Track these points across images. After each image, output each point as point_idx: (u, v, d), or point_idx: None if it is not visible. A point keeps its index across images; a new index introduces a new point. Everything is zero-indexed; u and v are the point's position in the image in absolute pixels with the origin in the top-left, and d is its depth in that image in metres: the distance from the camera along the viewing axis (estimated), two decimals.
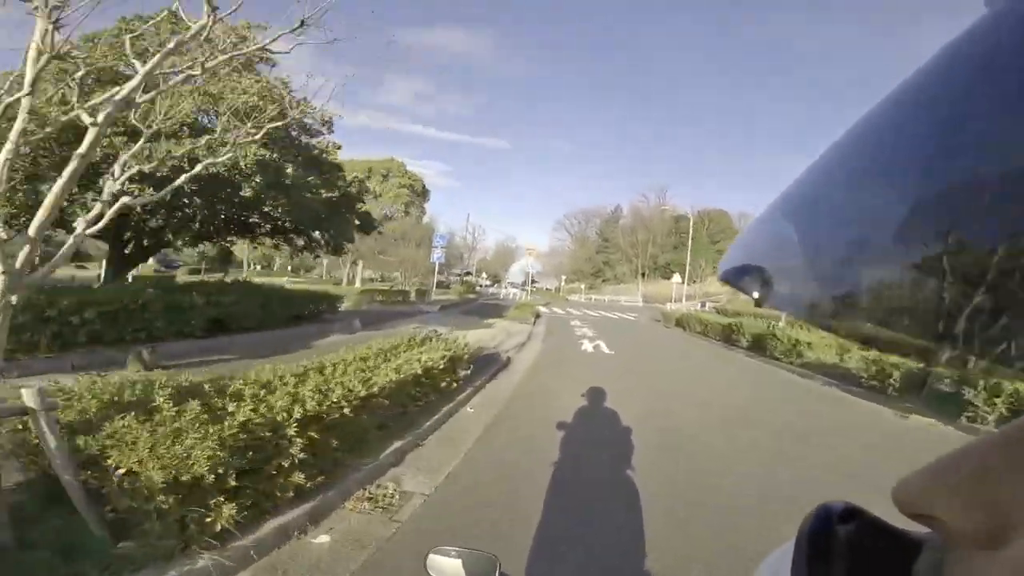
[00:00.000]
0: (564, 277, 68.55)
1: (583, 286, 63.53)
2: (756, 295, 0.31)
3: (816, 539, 0.32)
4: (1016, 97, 0.18)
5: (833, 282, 0.26)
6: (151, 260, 25.23)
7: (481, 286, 67.47)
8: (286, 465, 3.00)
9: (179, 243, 12.60)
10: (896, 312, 0.22)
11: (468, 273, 75.41)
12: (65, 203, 3.43)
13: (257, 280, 16.17)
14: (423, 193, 44.04)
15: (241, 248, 28.67)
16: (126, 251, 12.08)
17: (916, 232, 0.21)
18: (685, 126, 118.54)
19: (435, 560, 0.98)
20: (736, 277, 0.33)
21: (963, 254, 0.19)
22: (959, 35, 0.22)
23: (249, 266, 60.01)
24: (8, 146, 2.26)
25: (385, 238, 33.42)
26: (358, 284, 33.56)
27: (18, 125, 2.25)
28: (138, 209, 7.43)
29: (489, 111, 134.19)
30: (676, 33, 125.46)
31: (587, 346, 14.03)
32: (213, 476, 2.50)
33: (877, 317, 0.23)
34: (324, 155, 13.65)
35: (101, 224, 2.74)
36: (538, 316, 21.38)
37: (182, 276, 23.44)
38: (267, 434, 2.92)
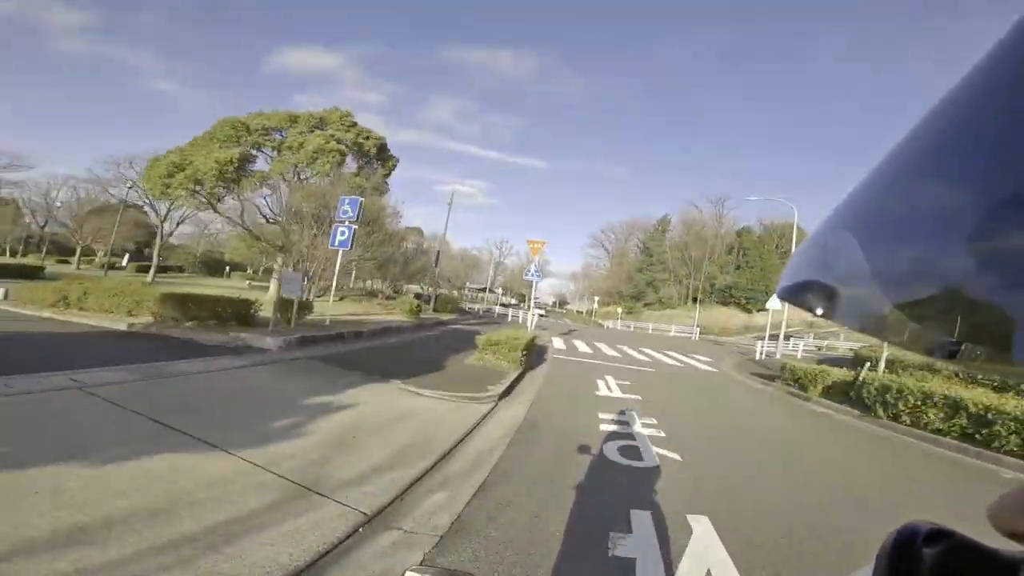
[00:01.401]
0: (598, 299, 57.26)
1: (620, 310, 52.12)
2: (820, 311, 0.30)
3: (898, 562, 0.30)
4: None
5: (901, 292, 0.24)
6: None
7: (500, 304, 57.40)
8: None
9: None
10: (977, 324, 0.21)
11: (484, 289, 65.25)
12: None
13: None
14: (383, 157, 28.59)
15: None
16: None
17: (988, 236, 0.20)
18: (738, 136, 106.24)
19: None
20: (796, 294, 0.32)
21: None
22: (1009, 32, 0.21)
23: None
24: None
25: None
26: (270, 288, 23.38)
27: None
28: None
29: (528, 131, 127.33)
30: (722, 40, 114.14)
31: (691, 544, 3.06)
32: None
33: (954, 329, 0.22)
34: None
35: None
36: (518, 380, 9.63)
37: None
38: None
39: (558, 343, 18.78)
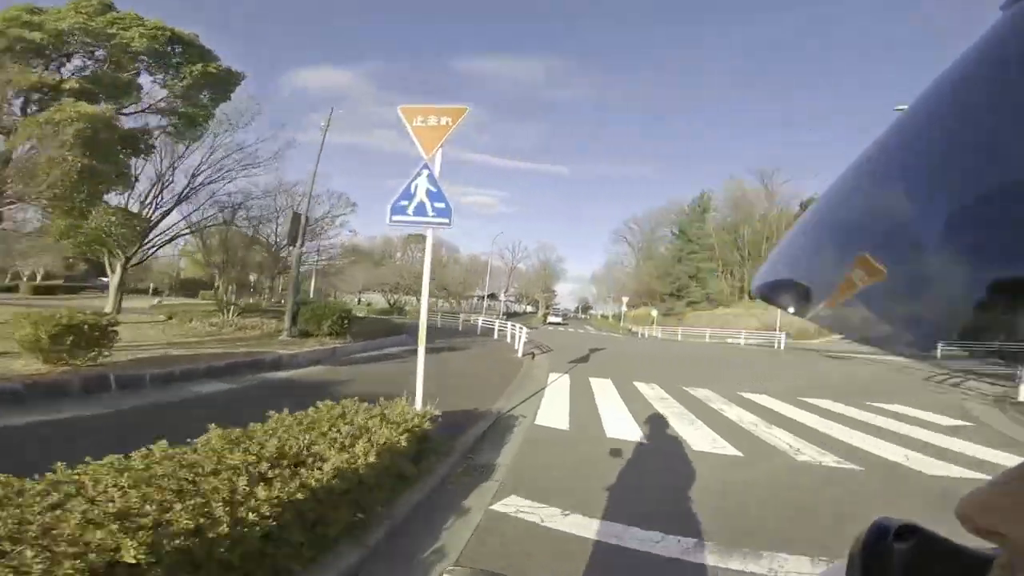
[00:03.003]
0: (626, 299, 45.63)
1: (655, 312, 40.48)
2: (792, 310, 0.31)
3: (871, 558, 0.31)
4: None
5: (871, 296, 0.24)
6: None
7: (504, 313, 46.49)
8: None
9: None
10: (951, 323, 0.21)
11: (489, 296, 54.21)
12: None
13: None
14: (222, 86, 17.09)
15: None
16: None
17: (961, 239, 0.20)
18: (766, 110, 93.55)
19: None
20: (771, 292, 0.32)
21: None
22: (982, 36, 0.21)
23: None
24: None
25: None
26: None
27: None
28: None
29: (548, 138, 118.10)
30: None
31: None
32: None
33: (931, 329, 0.22)
34: None
35: None
36: None
37: None
38: None
39: (558, 396, 7.65)
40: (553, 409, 6.89)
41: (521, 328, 14.75)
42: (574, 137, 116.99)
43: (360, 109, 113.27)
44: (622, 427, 6.00)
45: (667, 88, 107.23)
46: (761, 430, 6.18)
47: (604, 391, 8.57)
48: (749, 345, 26.37)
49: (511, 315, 54.22)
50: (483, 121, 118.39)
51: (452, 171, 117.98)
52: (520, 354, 13.01)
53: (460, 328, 24.91)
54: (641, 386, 9.24)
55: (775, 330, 25.60)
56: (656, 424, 6.23)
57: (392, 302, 50.41)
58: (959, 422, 7.28)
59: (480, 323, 23.57)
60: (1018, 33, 0.19)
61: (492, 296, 54.70)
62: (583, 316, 75.45)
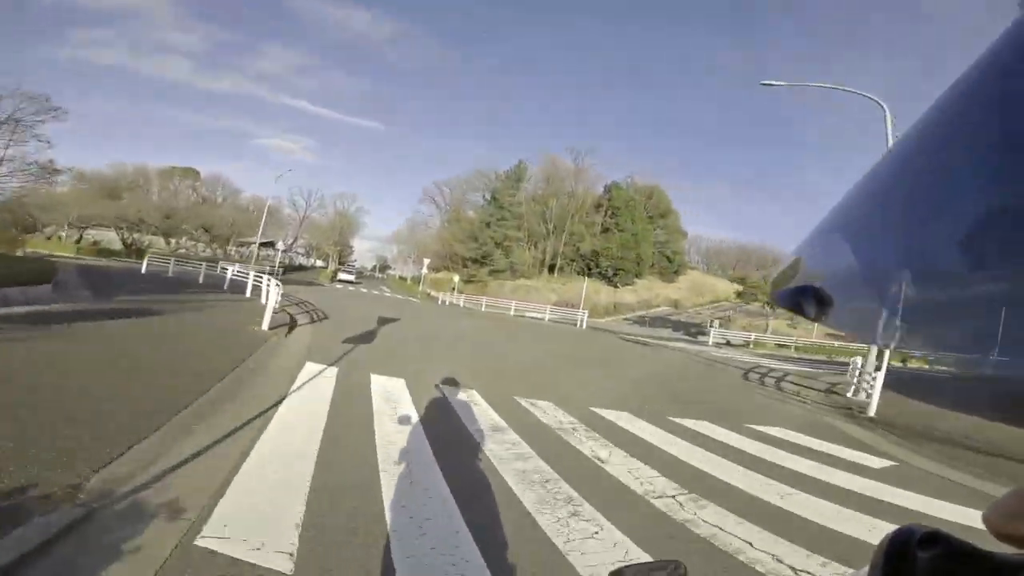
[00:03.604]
0: (428, 261, 42.10)
1: (457, 278, 37.92)
2: (813, 316, 0.31)
3: (893, 566, 0.30)
4: None
5: (893, 299, 0.25)
6: None
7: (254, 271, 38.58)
8: None
9: None
10: (970, 328, 0.21)
11: (265, 244, 44.82)
12: None
13: None
14: None
15: None
16: None
17: (988, 245, 0.20)
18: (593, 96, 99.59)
19: None
20: (790, 300, 0.32)
21: None
22: (1001, 36, 0.21)
23: None
24: None
25: None
26: None
27: None
28: None
29: (367, 91, 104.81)
30: None
31: None
32: None
33: (948, 336, 0.22)
34: None
35: None
36: None
37: None
38: None
39: (299, 429, 3.28)
40: (270, 479, 2.81)
41: (278, 285, 9.81)
42: (396, 97, 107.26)
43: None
44: (430, 526, 2.29)
45: (501, 62, 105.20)
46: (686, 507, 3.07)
47: (392, 407, 4.72)
48: (553, 322, 25.33)
49: (291, 269, 46.53)
50: (310, 65, 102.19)
51: (265, 113, 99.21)
52: (266, 326, 8.23)
53: (200, 280, 18.06)
54: (453, 394, 5.63)
55: (574, 306, 24.99)
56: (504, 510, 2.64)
57: (130, 242, 39.73)
58: (866, 456, 5.40)
59: (229, 275, 17.21)
60: None
61: (269, 244, 45.60)
62: (380, 276, 69.62)
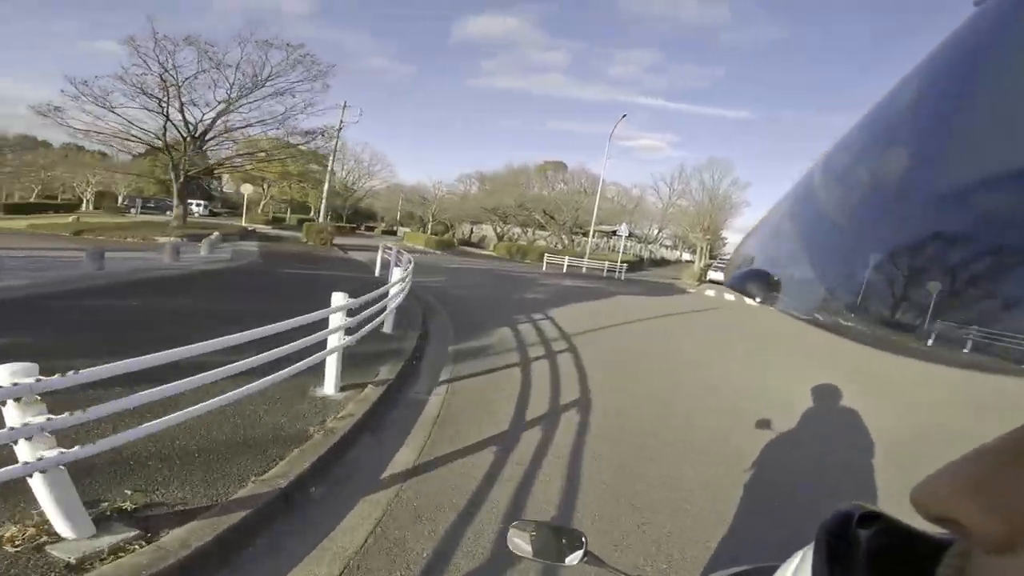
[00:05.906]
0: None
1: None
2: (759, 299, 0.34)
3: (835, 543, 0.32)
4: (1015, 94, 0.19)
5: (837, 284, 0.27)
6: None
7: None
8: None
9: None
10: (907, 311, 0.23)
11: (611, 233, 40.11)
12: None
13: None
14: None
15: None
16: None
17: (927, 231, 0.21)
18: None
19: (515, 534, 0.83)
20: (741, 283, 0.36)
21: (972, 252, 0.19)
22: (953, 31, 0.22)
23: None
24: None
25: None
26: None
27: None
28: None
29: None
30: None
31: None
32: None
33: (887, 317, 0.24)
34: None
35: None
36: None
37: None
38: None
39: None
40: None
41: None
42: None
43: None
44: None
45: None
46: None
47: None
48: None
49: (653, 263, 44.25)
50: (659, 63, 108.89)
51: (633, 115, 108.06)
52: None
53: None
54: None
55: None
56: None
57: (501, 234, 43.60)
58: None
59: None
60: (990, 26, 0.20)
61: (612, 233, 40.95)
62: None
